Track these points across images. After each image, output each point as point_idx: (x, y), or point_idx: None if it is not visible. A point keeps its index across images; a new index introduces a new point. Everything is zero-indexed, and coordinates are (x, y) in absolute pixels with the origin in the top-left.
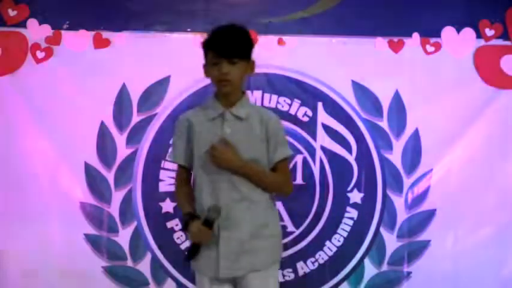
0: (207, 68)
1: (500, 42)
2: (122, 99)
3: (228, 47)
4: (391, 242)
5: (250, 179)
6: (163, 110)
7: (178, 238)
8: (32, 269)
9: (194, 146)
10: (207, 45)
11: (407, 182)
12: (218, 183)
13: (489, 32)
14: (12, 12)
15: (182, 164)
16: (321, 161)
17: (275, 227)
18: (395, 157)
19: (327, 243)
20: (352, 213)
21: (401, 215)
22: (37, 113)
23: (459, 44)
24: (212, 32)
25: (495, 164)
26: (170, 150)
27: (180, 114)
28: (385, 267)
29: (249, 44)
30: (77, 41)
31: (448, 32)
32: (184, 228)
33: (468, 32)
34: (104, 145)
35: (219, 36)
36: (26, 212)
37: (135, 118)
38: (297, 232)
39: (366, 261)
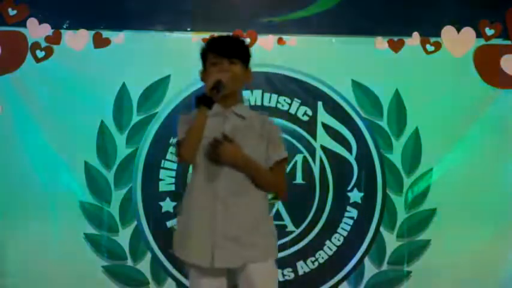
0: (206, 71)
1: (500, 41)
2: (121, 98)
3: (228, 47)
4: (391, 242)
5: (250, 174)
6: (163, 110)
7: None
8: (32, 269)
9: None
10: (207, 48)
11: (407, 181)
12: (217, 176)
13: (489, 32)
14: (12, 12)
15: None
16: (321, 161)
17: (270, 225)
18: (395, 156)
19: (327, 242)
20: (352, 212)
21: (401, 215)
22: (37, 112)
23: (459, 43)
24: (210, 38)
25: (495, 164)
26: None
27: (180, 113)
28: (385, 266)
29: (248, 50)
30: (77, 41)
31: (448, 31)
32: (203, 99)
33: (468, 32)
34: (104, 145)
35: (219, 38)
36: (26, 211)
37: (135, 118)
38: (297, 231)
39: (366, 260)
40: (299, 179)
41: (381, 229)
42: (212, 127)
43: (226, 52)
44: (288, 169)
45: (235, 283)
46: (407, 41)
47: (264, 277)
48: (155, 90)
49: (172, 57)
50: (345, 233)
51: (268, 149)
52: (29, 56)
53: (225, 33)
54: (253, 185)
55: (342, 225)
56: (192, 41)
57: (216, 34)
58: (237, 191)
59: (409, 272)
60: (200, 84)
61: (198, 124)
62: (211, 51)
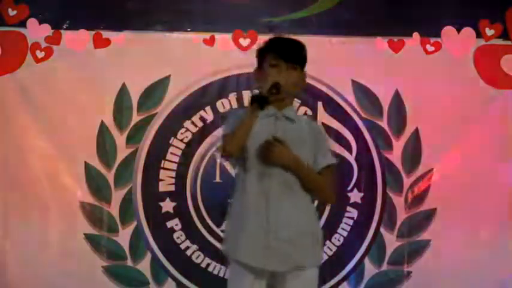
0: (262, 70)
1: (500, 41)
2: (121, 98)
3: (290, 51)
4: (391, 242)
5: (303, 176)
6: (163, 110)
7: (178, 238)
8: (32, 269)
9: (247, 141)
10: (267, 48)
11: (407, 181)
12: (269, 178)
13: (489, 32)
14: (12, 12)
15: None
16: None
17: (319, 231)
18: (396, 157)
19: (327, 242)
20: (352, 212)
21: (401, 215)
22: (37, 112)
23: (459, 43)
24: (272, 38)
25: (495, 164)
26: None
27: (180, 113)
28: (385, 266)
29: (306, 55)
30: (76, 41)
31: (448, 31)
32: (258, 99)
33: (468, 32)
34: (104, 145)
35: (281, 40)
36: (26, 211)
37: (135, 118)
38: None
39: (366, 260)
40: None
41: (381, 229)
42: (263, 128)
43: (287, 56)
44: None
45: (274, 285)
46: (408, 41)
47: (306, 284)
48: (155, 90)
49: (172, 57)
50: (345, 233)
51: (317, 155)
52: (28, 56)
53: (285, 36)
54: (303, 188)
55: (341, 225)
56: (192, 41)
57: (216, 34)
58: (288, 193)
59: (409, 272)
60: (200, 84)
61: (248, 122)
62: (272, 52)
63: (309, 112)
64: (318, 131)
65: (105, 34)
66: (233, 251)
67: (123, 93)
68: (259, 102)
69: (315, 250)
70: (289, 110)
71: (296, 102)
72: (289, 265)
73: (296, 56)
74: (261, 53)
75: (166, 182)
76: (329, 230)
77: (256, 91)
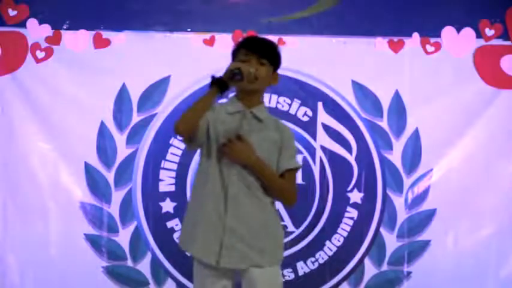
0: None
1: (500, 42)
2: (121, 99)
3: (260, 46)
4: (391, 242)
5: (263, 176)
6: (164, 110)
7: (178, 238)
8: (31, 269)
9: (210, 131)
10: (239, 45)
11: (407, 181)
12: (229, 173)
13: (489, 32)
14: (12, 12)
15: None
16: (321, 161)
17: (278, 228)
18: (396, 157)
19: (327, 243)
20: (352, 213)
21: (402, 215)
22: (37, 112)
23: (459, 43)
24: (245, 37)
25: (495, 164)
26: None
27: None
28: (385, 267)
29: (279, 55)
30: (76, 41)
31: (448, 31)
32: (216, 80)
33: (468, 32)
34: (104, 145)
35: (253, 37)
36: (26, 211)
37: (135, 118)
38: (297, 232)
39: (366, 261)
40: (299, 180)
41: (381, 229)
42: (229, 124)
43: (257, 50)
44: None
45: (239, 281)
46: (407, 41)
47: (267, 282)
48: (155, 91)
49: (172, 58)
50: (345, 234)
51: (281, 156)
52: (29, 56)
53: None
54: (263, 189)
55: (342, 225)
56: (192, 42)
57: (216, 35)
58: (248, 192)
59: (409, 273)
60: (200, 84)
61: (202, 102)
62: (243, 47)
63: (309, 112)
64: (284, 134)
65: (105, 34)
66: (188, 246)
67: (123, 94)
68: (217, 84)
69: (274, 248)
70: (258, 109)
71: (296, 102)
72: (243, 263)
73: (266, 52)
74: (234, 52)
75: (166, 182)
76: (329, 229)
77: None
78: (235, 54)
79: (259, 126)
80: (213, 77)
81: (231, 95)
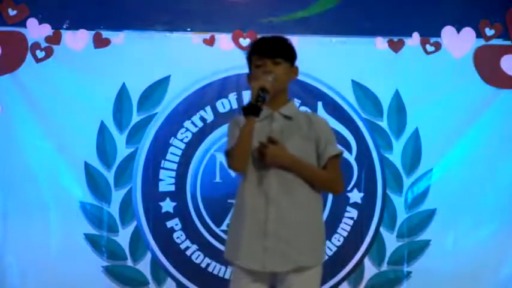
0: (251, 74)
1: (500, 42)
2: (121, 98)
3: (270, 47)
4: (391, 242)
5: (302, 173)
6: (164, 110)
7: (178, 238)
8: (32, 269)
9: None
10: (250, 51)
11: (407, 181)
12: (267, 179)
13: (489, 32)
14: (12, 12)
15: None
16: None
17: (321, 227)
18: (395, 157)
19: (327, 243)
20: (352, 212)
21: (401, 215)
22: (37, 112)
23: (459, 43)
24: (254, 40)
25: (495, 164)
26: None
27: (180, 113)
28: (385, 267)
29: (292, 48)
30: (76, 41)
31: (448, 31)
32: (247, 108)
33: (468, 32)
34: (104, 145)
35: (261, 40)
36: (26, 211)
37: (135, 118)
38: None
39: (366, 260)
40: None
41: (381, 229)
42: (259, 130)
43: (268, 52)
44: None
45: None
46: (407, 41)
47: (308, 284)
48: (155, 90)
49: (172, 57)
50: (345, 233)
51: (319, 147)
52: (29, 56)
53: (269, 35)
54: (307, 184)
55: (341, 225)
56: (192, 41)
57: (216, 34)
58: (288, 192)
59: (409, 272)
60: (200, 84)
61: (246, 134)
62: (255, 53)
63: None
64: (318, 124)
65: (105, 34)
66: (233, 256)
67: (123, 93)
68: (251, 112)
69: (316, 248)
70: (286, 108)
71: (296, 102)
72: (288, 265)
73: (278, 51)
74: (248, 58)
75: (166, 182)
76: (329, 229)
77: (245, 103)
78: (249, 60)
79: (290, 125)
80: (243, 108)
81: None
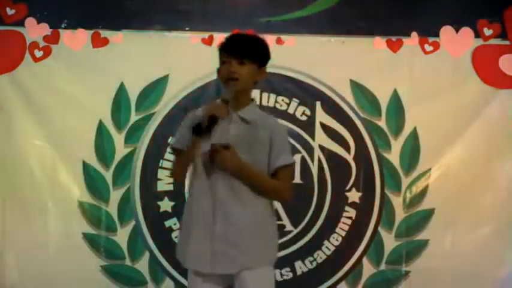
0: (219, 68)
1: (498, 41)
2: (120, 98)
3: (238, 47)
4: (390, 241)
5: (249, 180)
6: (162, 109)
7: (176, 237)
8: (30, 268)
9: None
10: (221, 47)
11: (405, 181)
12: (217, 182)
13: (487, 32)
14: (10, 11)
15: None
16: (319, 160)
17: (269, 229)
18: (394, 156)
19: (325, 242)
20: (351, 212)
21: (400, 215)
22: (35, 111)
23: (457, 43)
24: (228, 35)
25: (493, 163)
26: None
27: (179, 113)
28: (383, 266)
29: (263, 50)
30: (75, 40)
31: (446, 31)
32: (196, 130)
33: (466, 32)
34: (102, 144)
35: (231, 37)
36: (24, 210)
37: (133, 117)
38: (295, 231)
39: (364, 260)
40: (297, 179)
41: (379, 229)
42: (217, 131)
43: (235, 52)
44: None
45: (232, 285)
46: (406, 40)
47: (257, 283)
48: (154, 90)
49: (171, 57)
50: (343, 233)
51: (271, 155)
52: (27, 55)
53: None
54: (252, 191)
55: (340, 225)
56: (191, 41)
57: (215, 34)
58: (237, 196)
59: (407, 272)
60: (199, 83)
61: (190, 152)
62: (224, 50)
63: (307, 112)
64: (274, 131)
65: (104, 33)
66: (183, 259)
67: (121, 93)
68: (198, 133)
69: (264, 250)
70: (245, 111)
71: (294, 101)
72: (235, 268)
73: (245, 52)
74: (219, 51)
75: (164, 181)
76: (327, 229)
77: (197, 121)
78: (219, 54)
79: (247, 128)
80: (193, 128)
81: (218, 100)
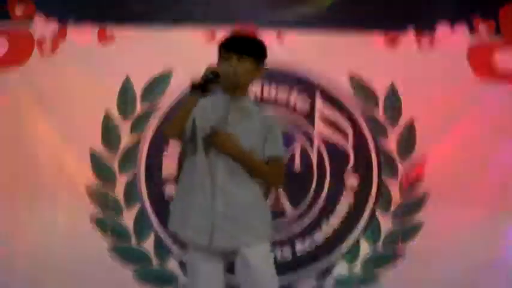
0: (217, 65)
1: (493, 37)
2: (125, 91)
3: (239, 44)
4: (386, 224)
5: (244, 164)
6: (166, 102)
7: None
8: (39, 251)
9: (196, 120)
10: (220, 44)
11: (401, 168)
12: (216, 162)
13: (482, 28)
14: (18, 8)
15: None
16: (319, 150)
17: (265, 207)
18: (391, 145)
19: (323, 226)
20: (349, 197)
21: (396, 199)
22: (44, 104)
23: (453, 39)
24: (228, 35)
25: (485, 152)
26: None
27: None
28: (379, 246)
29: (261, 50)
30: (82, 36)
31: (442, 27)
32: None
33: (462, 28)
34: (109, 133)
35: (233, 36)
36: (34, 196)
37: (139, 108)
38: (296, 213)
39: (362, 241)
40: (297, 167)
41: (376, 213)
42: (216, 116)
43: (234, 48)
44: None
45: (232, 261)
46: (403, 36)
47: (259, 258)
48: (158, 83)
49: (175, 53)
50: (341, 218)
51: (266, 145)
52: (35, 51)
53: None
54: (248, 173)
55: (338, 209)
56: (193, 37)
57: (216, 29)
58: (234, 174)
59: (402, 253)
60: None
61: (186, 107)
62: (224, 47)
63: (307, 104)
64: (268, 123)
65: (110, 30)
66: (181, 229)
67: (126, 86)
68: (197, 88)
69: (262, 227)
70: (244, 101)
71: (294, 93)
72: (233, 243)
73: (243, 49)
74: (218, 50)
75: (169, 167)
76: (325, 214)
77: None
78: (219, 52)
79: (244, 117)
80: (192, 83)
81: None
